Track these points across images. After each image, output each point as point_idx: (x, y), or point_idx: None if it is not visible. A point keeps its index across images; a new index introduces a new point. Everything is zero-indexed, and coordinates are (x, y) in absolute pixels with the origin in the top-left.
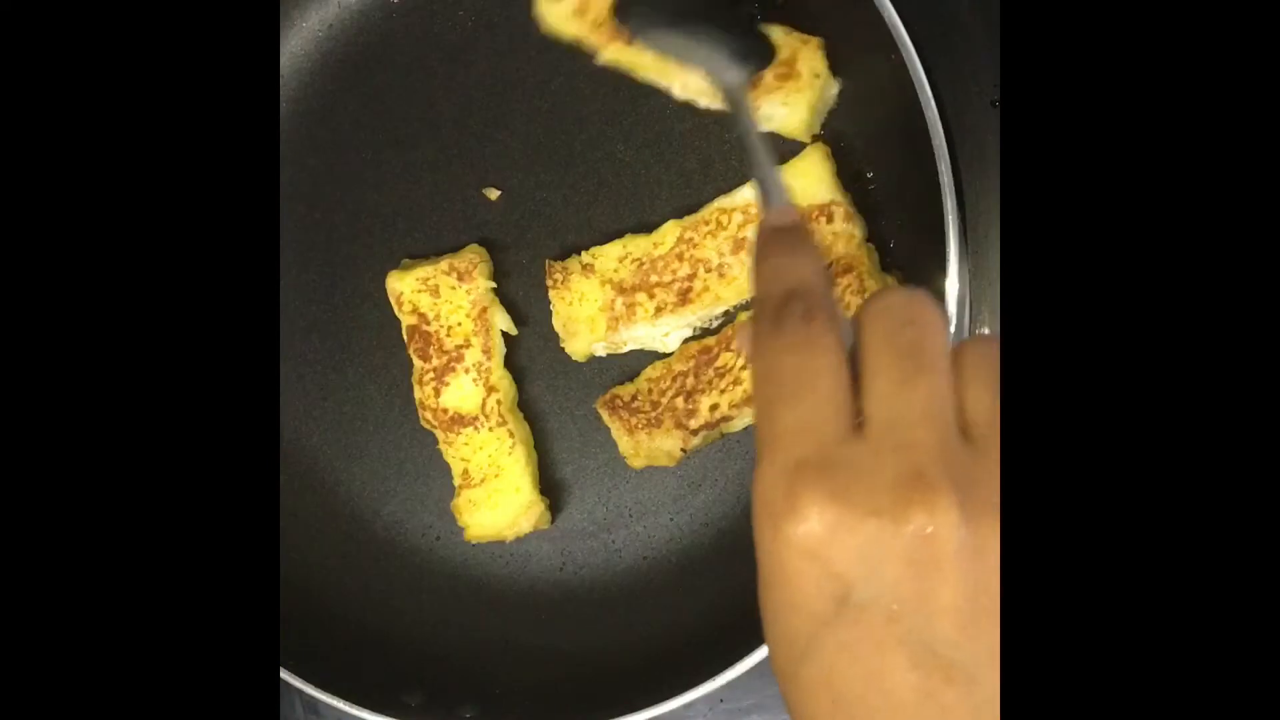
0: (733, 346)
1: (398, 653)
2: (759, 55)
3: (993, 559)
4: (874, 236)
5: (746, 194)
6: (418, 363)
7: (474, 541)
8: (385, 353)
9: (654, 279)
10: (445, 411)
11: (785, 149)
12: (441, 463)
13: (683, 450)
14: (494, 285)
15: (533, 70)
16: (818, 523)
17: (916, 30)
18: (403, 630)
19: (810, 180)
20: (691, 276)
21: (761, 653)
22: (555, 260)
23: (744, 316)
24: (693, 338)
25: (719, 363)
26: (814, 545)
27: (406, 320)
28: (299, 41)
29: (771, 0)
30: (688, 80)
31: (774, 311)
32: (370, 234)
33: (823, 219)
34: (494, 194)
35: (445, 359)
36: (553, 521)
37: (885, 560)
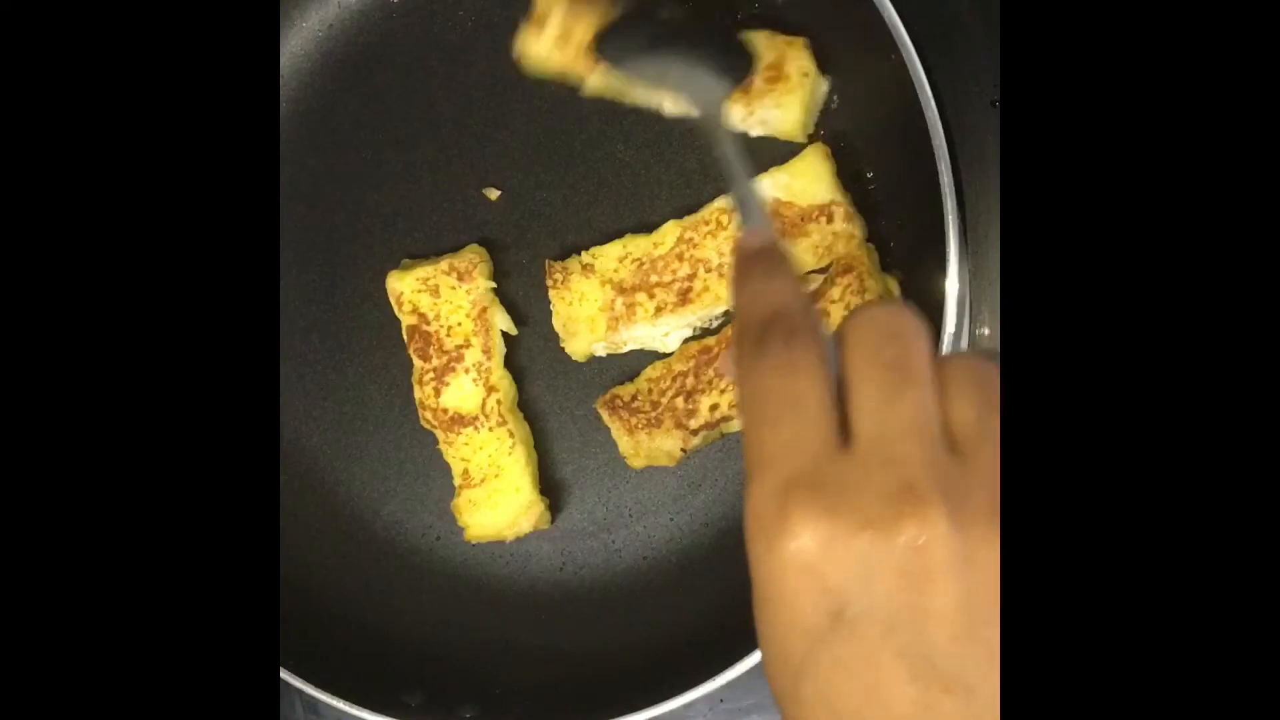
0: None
1: (398, 653)
2: (737, 68)
3: (985, 568)
4: (874, 236)
5: None
6: (418, 363)
7: (474, 541)
8: (385, 353)
9: (654, 279)
10: (445, 411)
11: (785, 150)
12: (441, 463)
13: (683, 450)
14: (494, 285)
15: None
16: (810, 539)
17: (916, 30)
18: (403, 630)
19: (810, 180)
20: (691, 276)
21: None
22: (555, 260)
23: None
24: (693, 338)
25: (719, 363)
26: (808, 561)
27: (406, 320)
28: (299, 41)
29: (772, 0)
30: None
31: (756, 335)
32: (370, 234)
33: (823, 219)
34: (494, 194)
35: (445, 359)
36: (553, 521)
37: (878, 573)
